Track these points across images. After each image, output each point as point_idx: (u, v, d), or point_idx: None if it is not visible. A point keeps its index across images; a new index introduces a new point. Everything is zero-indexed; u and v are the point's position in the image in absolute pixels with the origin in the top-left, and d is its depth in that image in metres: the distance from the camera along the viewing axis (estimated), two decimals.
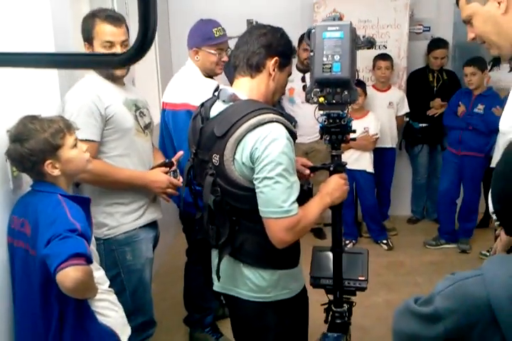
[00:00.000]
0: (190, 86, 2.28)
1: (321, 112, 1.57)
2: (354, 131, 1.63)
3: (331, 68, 1.37)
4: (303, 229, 1.44)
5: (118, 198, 1.96)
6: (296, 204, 1.39)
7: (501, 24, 1.33)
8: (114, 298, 1.48)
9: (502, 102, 3.44)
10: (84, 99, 1.83)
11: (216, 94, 1.53)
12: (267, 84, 1.51)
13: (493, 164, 3.67)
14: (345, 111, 1.54)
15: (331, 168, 1.63)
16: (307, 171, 1.75)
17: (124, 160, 1.94)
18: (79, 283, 1.17)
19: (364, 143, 3.55)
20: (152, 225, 2.12)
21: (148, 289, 2.09)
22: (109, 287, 1.54)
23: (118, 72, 1.92)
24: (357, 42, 1.52)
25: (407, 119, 4.05)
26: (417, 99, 3.98)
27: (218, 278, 1.53)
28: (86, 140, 1.75)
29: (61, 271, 1.15)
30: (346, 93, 1.42)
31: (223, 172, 1.41)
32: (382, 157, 3.91)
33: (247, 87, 1.51)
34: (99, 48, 1.87)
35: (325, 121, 1.57)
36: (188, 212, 2.40)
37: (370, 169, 3.71)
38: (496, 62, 3.74)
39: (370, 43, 1.57)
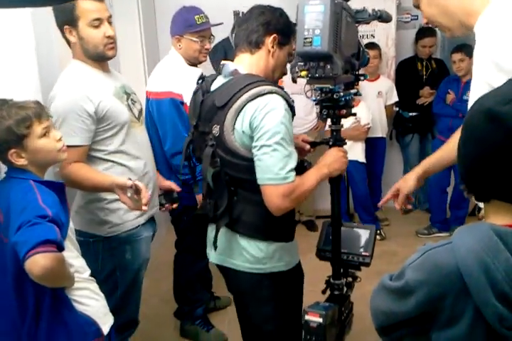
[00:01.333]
0: (173, 74, 2.25)
1: (313, 87, 1.59)
2: (350, 107, 1.64)
3: (311, 42, 1.38)
4: (299, 196, 1.45)
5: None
6: (293, 172, 1.41)
7: (444, 4, 1.31)
8: (95, 286, 1.45)
9: None
10: (71, 101, 1.69)
11: (219, 68, 1.57)
12: (266, 60, 1.55)
13: None
14: (338, 86, 1.54)
15: (331, 143, 1.67)
16: (307, 146, 1.79)
17: (122, 156, 1.83)
18: (48, 270, 1.12)
19: (356, 133, 3.53)
20: (151, 221, 2.05)
21: (140, 290, 2.03)
22: (102, 285, 1.51)
23: (109, 53, 1.77)
24: (360, 17, 1.55)
25: (397, 109, 4.03)
26: (407, 88, 3.96)
27: (215, 248, 1.56)
28: (72, 146, 1.65)
29: (29, 258, 1.11)
30: (329, 67, 1.41)
31: (223, 142, 1.45)
32: (373, 147, 3.89)
33: (247, 63, 1.55)
34: (86, 29, 1.71)
35: (318, 96, 1.60)
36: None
37: (362, 159, 3.69)
38: None
39: (379, 18, 1.57)
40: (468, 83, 3.53)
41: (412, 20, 4.11)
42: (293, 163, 1.42)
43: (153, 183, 1.98)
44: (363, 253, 1.74)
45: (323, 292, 1.80)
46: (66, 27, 1.73)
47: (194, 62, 2.35)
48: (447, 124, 3.61)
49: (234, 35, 1.64)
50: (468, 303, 0.85)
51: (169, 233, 2.56)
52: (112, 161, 1.81)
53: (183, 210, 2.38)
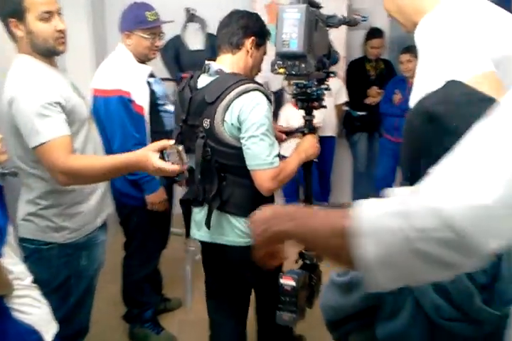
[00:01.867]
0: (121, 71, 2.19)
1: (291, 82, 1.78)
2: (321, 99, 1.82)
3: (288, 44, 1.57)
4: (284, 178, 1.70)
5: (79, 196, 1.72)
6: (277, 158, 1.67)
7: (399, 3, 1.34)
8: (36, 293, 1.38)
9: None
10: (40, 97, 1.56)
11: (204, 68, 1.79)
12: (245, 60, 1.78)
13: None
14: (311, 82, 1.74)
15: (305, 131, 1.87)
16: (283, 136, 2.04)
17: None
18: None
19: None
20: (104, 224, 1.94)
21: (93, 296, 1.94)
22: (52, 292, 1.44)
23: (60, 48, 1.66)
24: (331, 22, 1.76)
25: (347, 108, 4.11)
26: (356, 88, 4.04)
27: (208, 228, 1.77)
28: (63, 136, 1.55)
29: None
30: (303, 65, 1.60)
31: (214, 134, 1.68)
32: (323, 145, 3.86)
33: (228, 62, 1.77)
34: (35, 22, 1.58)
35: (294, 90, 1.80)
36: (124, 203, 2.33)
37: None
38: None
39: (347, 23, 1.82)
40: None
41: (361, 21, 4.18)
42: (276, 150, 1.68)
43: (105, 183, 1.90)
44: None
45: (296, 261, 1.98)
46: (11, 20, 1.59)
47: (143, 60, 2.30)
48: (393, 123, 3.72)
49: (217, 37, 1.81)
50: (408, 295, 0.87)
51: (117, 235, 2.50)
52: None
53: (132, 211, 2.33)
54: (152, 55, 2.31)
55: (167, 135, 2.30)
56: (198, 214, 1.84)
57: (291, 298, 1.79)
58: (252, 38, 1.76)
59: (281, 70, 1.64)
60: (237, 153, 1.67)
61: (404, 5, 1.33)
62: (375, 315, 0.93)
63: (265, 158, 1.64)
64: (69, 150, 1.57)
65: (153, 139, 2.22)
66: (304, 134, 1.88)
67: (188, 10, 3.53)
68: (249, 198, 1.73)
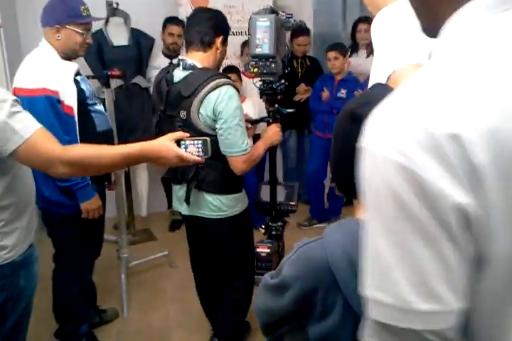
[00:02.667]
0: (47, 69, 2.01)
1: (259, 79, 2.12)
2: (282, 93, 2.19)
3: (261, 47, 1.92)
4: (254, 161, 2.02)
5: (15, 211, 1.51)
6: (248, 144, 1.96)
7: None
8: None
9: (362, 86, 3.66)
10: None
11: (176, 62, 2.03)
12: (215, 56, 2.01)
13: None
14: (276, 79, 2.09)
15: (270, 120, 2.20)
16: (249, 125, 2.28)
17: (20, 167, 1.49)
18: None
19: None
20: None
21: (30, 316, 1.72)
22: None
23: None
24: (287, 26, 2.09)
25: (277, 105, 4.10)
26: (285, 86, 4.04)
27: (188, 204, 2.06)
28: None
29: None
30: (273, 65, 1.96)
31: (190, 123, 1.92)
32: (254, 143, 3.92)
33: (201, 59, 1.98)
34: None
35: (261, 86, 2.12)
36: (53, 212, 2.15)
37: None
38: (355, 47, 3.95)
39: (298, 26, 2.33)
40: (341, 81, 3.72)
41: (286, 18, 4.19)
42: (247, 137, 1.97)
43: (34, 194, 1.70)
44: (291, 203, 2.35)
45: (264, 233, 2.36)
46: None
47: (71, 56, 2.12)
48: (323, 120, 3.78)
49: (187, 35, 2.01)
50: (338, 295, 0.89)
51: (44, 245, 2.30)
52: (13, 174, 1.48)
53: (62, 221, 2.16)
54: (82, 53, 2.15)
55: (99, 136, 2.17)
56: (180, 190, 2.11)
57: (267, 263, 2.18)
58: (221, 36, 1.99)
59: (255, 70, 1.98)
60: (211, 140, 1.75)
61: None
62: (306, 316, 0.94)
63: (240, 145, 1.92)
64: (56, 140, 1.43)
65: (83, 141, 2.07)
66: (268, 123, 2.20)
67: (109, 3, 3.32)
68: (222, 178, 2.03)
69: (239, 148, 1.93)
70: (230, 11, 3.79)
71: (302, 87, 4.01)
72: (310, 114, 4.10)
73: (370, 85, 1.36)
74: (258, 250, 2.19)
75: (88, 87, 2.19)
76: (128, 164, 1.81)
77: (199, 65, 1.96)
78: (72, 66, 2.09)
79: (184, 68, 1.96)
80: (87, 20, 2.10)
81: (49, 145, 1.39)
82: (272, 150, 2.24)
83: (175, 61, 2.10)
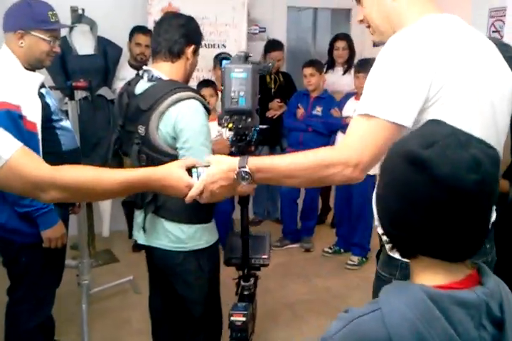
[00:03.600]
0: (8, 80, 1.79)
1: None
2: (257, 143, 1.91)
3: (237, 101, 1.69)
4: None
5: None
6: None
7: (388, 9, 1.27)
8: None
9: (338, 104, 3.59)
10: None
11: (141, 73, 1.81)
12: (184, 67, 1.81)
13: None
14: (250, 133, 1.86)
15: None
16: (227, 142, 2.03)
17: None
18: None
19: (220, 147, 3.35)
20: None
21: None
22: None
23: None
24: (260, 69, 1.85)
25: None
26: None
27: (144, 231, 1.82)
28: None
29: None
30: (249, 120, 1.75)
31: (148, 140, 1.70)
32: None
33: (168, 70, 1.78)
34: None
35: (234, 138, 1.86)
36: (10, 241, 1.92)
37: None
38: (331, 65, 3.88)
39: (266, 69, 1.97)
40: (317, 98, 3.64)
41: (260, 32, 4.11)
42: None
43: None
44: (263, 256, 2.09)
45: (236, 293, 2.10)
46: None
47: (35, 66, 1.91)
48: (298, 138, 3.67)
49: (154, 42, 1.79)
50: None
51: None
52: None
53: (20, 250, 1.92)
54: (48, 62, 1.94)
55: (64, 157, 1.95)
56: (139, 216, 1.86)
57: (242, 333, 1.93)
58: (193, 46, 1.80)
59: (230, 125, 1.76)
60: (171, 160, 1.59)
61: (392, 15, 1.27)
62: None
63: None
64: (42, 160, 1.24)
65: (47, 162, 1.86)
66: None
67: (74, 9, 3.11)
68: (184, 205, 1.62)
69: None
70: (202, 23, 3.57)
71: (276, 102, 3.91)
72: (283, 131, 4.00)
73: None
74: (233, 319, 1.92)
75: (54, 101, 1.98)
76: (128, 193, 1.55)
77: (165, 77, 1.76)
78: (37, 77, 1.87)
79: (149, 80, 1.76)
80: (54, 27, 1.90)
81: (35, 165, 1.19)
82: (242, 201, 1.98)
83: (141, 72, 1.86)
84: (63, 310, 2.63)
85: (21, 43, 1.85)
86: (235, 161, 1.25)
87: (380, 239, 1.44)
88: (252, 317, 2.07)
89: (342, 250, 3.74)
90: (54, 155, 1.91)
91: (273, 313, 2.92)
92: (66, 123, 2.02)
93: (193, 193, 1.29)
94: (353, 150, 1.13)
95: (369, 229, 3.58)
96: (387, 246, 0.86)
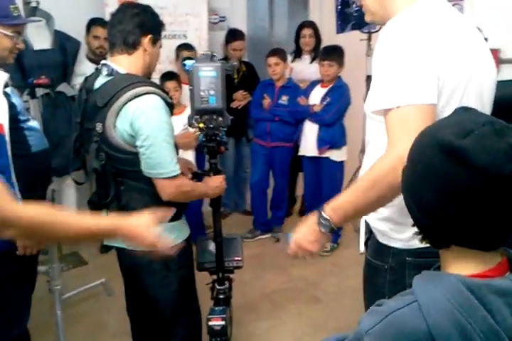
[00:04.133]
0: None
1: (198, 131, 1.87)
2: (226, 143, 1.95)
3: (207, 101, 1.70)
4: (187, 193, 1.70)
5: None
6: (178, 165, 1.64)
7: None
8: None
9: (304, 92, 3.59)
10: None
11: (99, 67, 1.72)
12: (143, 59, 1.72)
13: (301, 152, 3.80)
14: (220, 133, 1.87)
15: (211, 175, 1.93)
16: (190, 175, 1.99)
17: None
18: None
19: (186, 141, 3.28)
20: None
21: None
22: None
23: None
24: (225, 68, 1.81)
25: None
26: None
27: None
28: None
29: None
30: (220, 119, 1.76)
31: (106, 138, 1.62)
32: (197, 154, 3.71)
33: (125, 63, 1.69)
34: None
35: (203, 138, 1.86)
36: None
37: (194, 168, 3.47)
38: (298, 53, 3.87)
39: (231, 68, 1.94)
40: (282, 88, 3.63)
41: (220, 21, 4.04)
42: (175, 155, 1.65)
43: None
44: (236, 259, 2.08)
45: (212, 297, 2.08)
46: None
47: None
48: (265, 128, 3.66)
49: (109, 34, 1.71)
50: None
51: None
52: None
53: None
54: (11, 60, 1.83)
55: (34, 158, 1.86)
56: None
57: (222, 338, 1.90)
58: (149, 35, 1.70)
59: (201, 125, 1.76)
60: (132, 158, 1.62)
61: None
62: None
63: (167, 166, 1.61)
64: (11, 197, 1.13)
65: (17, 164, 1.76)
66: (209, 176, 1.93)
67: (27, 2, 2.94)
68: (149, 203, 1.65)
69: (165, 169, 1.61)
70: (161, 13, 3.47)
71: (240, 93, 3.88)
72: (248, 122, 3.98)
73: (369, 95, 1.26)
74: (211, 323, 1.90)
75: (19, 100, 1.87)
76: (94, 240, 1.49)
77: (123, 71, 1.67)
78: (1, 76, 1.76)
79: (107, 74, 1.67)
80: (18, 22, 1.79)
81: (3, 203, 1.10)
82: (214, 203, 1.97)
83: (99, 66, 1.77)
84: (35, 317, 2.52)
85: None
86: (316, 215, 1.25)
87: (368, 227, 1.45)
88: (230, 320, 2.05)
89: None
90: (23, 157, 1.81)
91: (252, 304, 2.93)
92: (34, 123, 1.91)
93: (290, 253, 1.31)
94: (400, 145, 1.08)
95: None
96: (418, 237, 0.83)
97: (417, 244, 1.26)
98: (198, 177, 1.97)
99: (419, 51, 1.11)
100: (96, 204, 1.77)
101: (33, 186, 1.87)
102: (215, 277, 2.12)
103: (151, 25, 1.70)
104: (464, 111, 0.80)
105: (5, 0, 1.76)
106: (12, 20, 1.75)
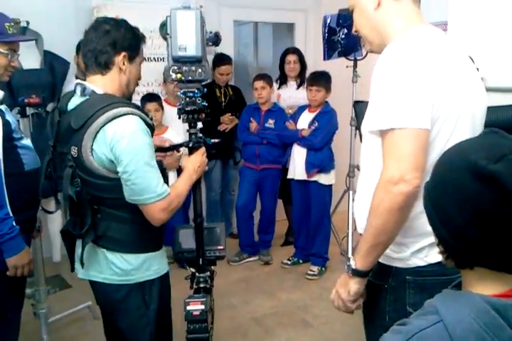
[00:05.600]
0: None
1: (179, 92, 1.72)
2: (205, 111, 1.79)
3: (185, 48, 1.56)
4: (177, 206, 1.57)
5: None
6: (165, 185, 1.53)
7: (373, 20, 1.32)
8: None
9: (292, 117, 3.64)
10: None
11: (73, 88, 1.58)
12: (119, 78, 1.59)
13: (290, 175, 3.80)
14: (199, 91, 1.73)
15: (190, 145, 1.78)
16: (176, 153, 2.01)
17: None
18: None
19: (168, 162, 3.25)
20: None
21: None
22: None
23: None
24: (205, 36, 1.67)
25: (200, 135, 3.93)
26: (207, 114, 3.89)
27: (82, 265, 1.58)
28: None
29: None
30: (200, 70, 1.62)
31: (82, 163, 1.48)
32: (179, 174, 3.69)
33: (101, 84, 1.56)
34: None
35: (182, 101, 1.72)
36: None
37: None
38: (283, 80, 3.92)
39: (216, 38, 1.71)
40: (268, 111, 3.67)
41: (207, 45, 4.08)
42: (160, 176, 1.52)
43: None
44: (218, 248, 1.92)
45: (191, 287, 1.88)
46: None
47: None
48: (254, 151, 3.67)
49: (82, 54, 1.60)
50: None
51: None
52: None
53: None
54: (6, 77, 1.82)
55: (27, 177, 1.83)
56: (79, 247, 1.60)
57: (201, 324, 1.72)
58: (123, 53, 1.57)
59: (179, 76, 1.62)
60: (110, 185, 1.50)
61: (378, 25, 1.32)
62: None
63: (154, 190, 1.49)
64: None
65: (9, 183, 1.73)
66: (189, 149, 1.79)
67: (17, 21, 2.93)
68: (128, 233, 1.58)
69: (153, 193, 1.48)
70: (150, 36, 3.55)
71: (227, 116, 3.89)
72: (235, 144, 3.99)
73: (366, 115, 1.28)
74: (189, 308, 1.71)
75: (13, 118, 1.85)
76: None
77: (99, 91, 1.54)
78: None
79: (81, 94, 1.54)
80: (13, 39, 1.79)
81: None
82: (195, 182, 1.75)
83: (73, 86, 1.62)
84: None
85: None
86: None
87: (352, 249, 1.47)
88: (211, 310, 1.87)
89: (301, 261, 3.76)
90: (16, 176, 1.79)
91: (242, 329, 2.87)
92: (27, 141, 1.90)
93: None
94: (389, 171, 1.14)
95: (327, 239, 3.64)
96: (442, 256, 0.83)
97: (415, 263, 1.29)
98: (175, 148, 1.95)
99: (415, 78, 1.15)
100: (70, 233, 1.60)
101: (26, 206, 1.83)
102: (193, 270, 1.94)
103: (124, 42, 1.56)
104: (492, 133, 0.81)
105: (0, 18, 1.76)
106: (7, 37, 1.75)
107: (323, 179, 3.49)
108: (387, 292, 1.32)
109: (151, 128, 1.55)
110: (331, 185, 3.55)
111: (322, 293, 3.32)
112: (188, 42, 1.56)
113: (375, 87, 1.21)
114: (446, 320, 0.74)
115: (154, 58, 3.69)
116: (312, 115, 3.50)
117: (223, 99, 3.96)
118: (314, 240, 3.61)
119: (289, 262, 3.76)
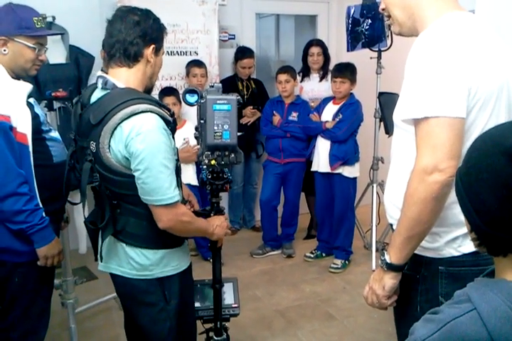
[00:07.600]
0: None
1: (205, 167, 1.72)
2: (231, 181, 1.78)
3: (221, 136, 1.58)
4: (186, 223, 1.54)
5: None
6: (177, 191, 1.49)
7: (410, 1, 1.27)
8: None
9: (315, 109, 3.61)
10: None
11: (95, 80, 1.56)
12: (144, 71, 1.57)
13: (314, 168, 3.77)
14: (231, 169, 1.77)
15: (212, 214, 1.78)
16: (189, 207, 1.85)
17: None
18: None
19: (186, 155, 3.28)
20: None
21: None
22: None
23: None
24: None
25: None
26: None
27: (101, 258, 1.61)
28: None
29: None
30: (233, 155, 1.64)
31: (100, 158, 1.47)
32: (198, 168, 3.71)
33: (124, 77, 1.53)
34: None
35: (208, 175, 1.73)
36: (1, 261, 1.79)
37: (194, 182, 3.45)
38: (306, 72, 3.89)
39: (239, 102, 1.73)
40: (291, 104, 3.65)
41: (229, 39, 4.09)
42: (174, 179, 1.48)
43: None
44: (234, 306, 1.93)
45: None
46: None
47: (20, 75, 1.81)
48: (277, 145, 3.66)
49: (107, 44, 1.54)
50: None
51: None
52: None
53: (12, 270, 1.79)
54: (33, 71, 1.84)
55: (56, 169, 1.85)
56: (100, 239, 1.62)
57: None
58: (152, 46, 1.54)
59: (213, 162, 1.64)
60: (127, 181, 1.48)
61: (411, 5, 1.27)
62: None
63: (165, 191, 1.44)
64: None
65: (38, 175, 1.76)
66: (210, 216, 1.78)
67: (44, 17, 2.97)
68: (147, 228, 1.56)
69: (162, 196, 1.44)
70: (174, 30, 3.59)
71: (249, 109, 3.89)
72: (257, 137, 3.99)
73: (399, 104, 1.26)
74: None
75: (41, 111, 1.88)
76: None
77: (121, 85, 1.51)
78: (25, 86, 1.77)
79: (102, 88, 1.51)
80: (40, 33, 1.81)
81: None
82: (214, 248, 1.81)
83: (95, 78, 1.61)
84: (47, 331, 2.48)
85: (4, 50, 1.75)
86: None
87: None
88: None
89: (324, 254, 3.75)
90: (45, 167, 1.81)
91: (266, 321, 2.88)
92: (55, 134, 1.92)
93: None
94: (424, 160, 1.13)
95: (351, 232, 3.61)
96: (474, 243, 0.81)
97: (449, 252, 1.27)
98: (200, 215, 1.76)
99: (451, 63, 1.12)
100: (94, 224, 1.61)
101: (54, 197, 1.86)
102: (208, 325, 1.96)
103: (153, 34, 1.53)
104: None
105: (29, 12, 1.79)
106: (34, 31, 1.77)
107: (347, 171, 3.46)
108: (418, 282, 1.31)
109: (172, 124, 1.52)
110: (355, 178, 3.52)
111: (345, 286, 3.32)
112: (223, 129, 1.58)
113: (409, 73, 1.18)
114: (479, 307, 0.73)
115: (178, 52, 3.70)
116: (337, 107, 3.47)
117: (245, 92, 3.96)
118: (338, 233, 3.59)
119: (312, 255, 3.75)
